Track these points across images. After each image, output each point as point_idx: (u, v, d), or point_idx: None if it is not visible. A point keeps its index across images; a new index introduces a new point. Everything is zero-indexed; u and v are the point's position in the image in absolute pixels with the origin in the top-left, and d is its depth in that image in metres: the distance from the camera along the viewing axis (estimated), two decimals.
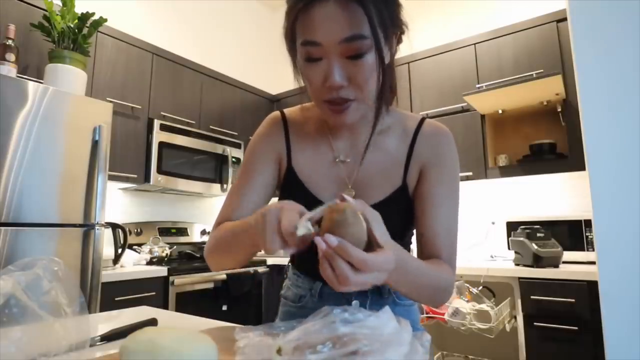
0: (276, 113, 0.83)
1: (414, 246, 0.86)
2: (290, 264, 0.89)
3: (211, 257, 0.75)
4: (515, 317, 1.96)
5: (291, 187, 0.78)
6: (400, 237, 0.76)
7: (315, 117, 0.80)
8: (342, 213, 0.48)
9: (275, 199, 0.85)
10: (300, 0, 0.59)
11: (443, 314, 1.97)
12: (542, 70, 2.18)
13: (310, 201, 0.75)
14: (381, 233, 0.50)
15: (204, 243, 2.92)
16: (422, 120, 0.78)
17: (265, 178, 0.79)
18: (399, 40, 0.69)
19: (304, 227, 0.49)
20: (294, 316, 0.80)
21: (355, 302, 0.76)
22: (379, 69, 0.62)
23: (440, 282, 0.67)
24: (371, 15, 0.58)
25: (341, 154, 0.76)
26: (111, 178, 2.11)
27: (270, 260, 2.75)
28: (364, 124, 0.75)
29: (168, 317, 0.91)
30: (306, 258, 0.76)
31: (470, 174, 2.39)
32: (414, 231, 0.80)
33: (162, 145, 2.45)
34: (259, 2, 3.81)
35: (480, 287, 2.02)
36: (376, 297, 0.77)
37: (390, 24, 0.62)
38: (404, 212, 0.75)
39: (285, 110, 0.83)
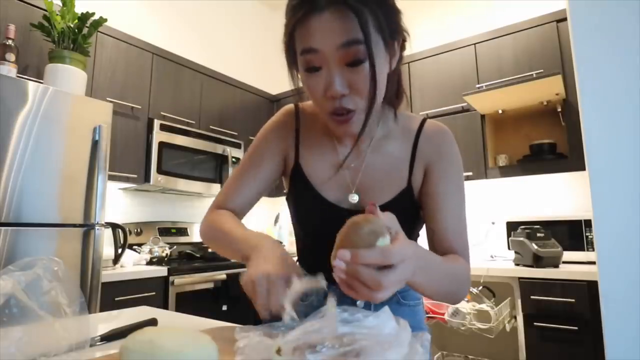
0: (291, 106, 0.85)
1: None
2: (297, 263, 0.90)
3: (206, 242, 0.81)
4: (515, 317, 1.96)
5: (298, 184, 0.79)
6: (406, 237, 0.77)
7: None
8: (358, 232, 0.48)
9: (280, 200, 0.85)
10: (297, 12, 0.60)
11: (443, 314, 1.97)
12: (542, 70, 2.17)
13: (317, 200, 0.76)
14: (400, 233, 0.51)
15: (204, 243, 2.92)
16: (424, 121, 0.79)
17: (265, 172, 0.81)
18: (402, 47, 0.70)
19: (289, 316, 0.53)
20: (300, 314, 0.81)
21: (360, 302, 0.76)
22: (372, 75, 0.61)
23: (460, 275, 0.67)
24: (365, 21, 0.58)
25: (344, 160, 0.77)
26: (111, 178, 2.11)
27: None
28: (369, 130, 0.75)
29: (168, 317, 0.91)
30: (313, 258, 0.77)
31: (470, 174, 2.39)
32: (419, 233, 0.81)
33: (162, 145, 2.45)
34: (259, 2, 3.81)
35: (480, 287, 2.02)
36: None
37: (387, 30, 0.63)
38: (409, 214, 0.76)
39: (300, 104, 0.84)
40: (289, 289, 0.54)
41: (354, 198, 0.74)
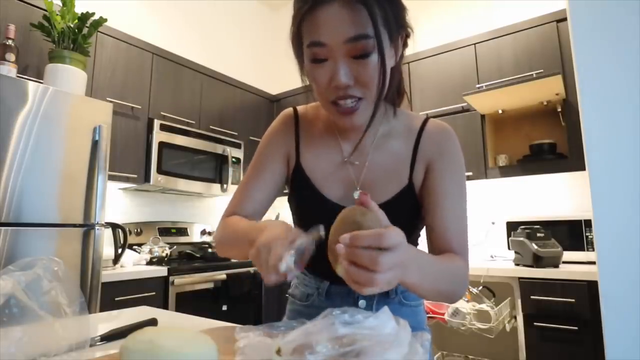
0: (289, 109, 0.85)
1: (421, 247, 0.87)
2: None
3: (219, 247, 0.79)
4: (515, 317, 1.96)
5: (299, 184, 0.79)
6: (407, 236, 0.77)
7: (326, 116, 0.81)
8: (354, 216, 0.50)
9: (280, 200, 0.86)
10: (305, 3, 0.60)
11: (443, 314, 1.97)
12: (542, 70, 2.17)
13: (318, 199, 0.76)
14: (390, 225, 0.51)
15: (204, 243, 2.93)
16: (426, 120, 0.79)
17: (272, 175, 0.81)
18: (405, 44, 0.70)
19: (285, 264, 0.52)
20: (301, 314, 0.81)
21: (362, 302, 0.76)
22: (381, 69, 0.62)
23: (456, 274, 0.66)
24: (374, 15, 0.59)
25: (349, 155, 0.77)
26: (111, 178, 2.11)
27: None
28: (372, 126, 0.75)
29: (168, 317, 0.91)
30: (314, 258, 0.77)
31: (470, 174, 2.39)
32: (420, 233, 0.81)
33: (162, 145, 2.45)
34: (259, 2, 3.81)
35: (480, 287, 2.02)
36: (383, 297, 0.77)
37: (394, 26, 0.63)
38: (410, 211, 0.76)
39: (299, 107, 0.85)
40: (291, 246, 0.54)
41: (358, 195, 0.75)
